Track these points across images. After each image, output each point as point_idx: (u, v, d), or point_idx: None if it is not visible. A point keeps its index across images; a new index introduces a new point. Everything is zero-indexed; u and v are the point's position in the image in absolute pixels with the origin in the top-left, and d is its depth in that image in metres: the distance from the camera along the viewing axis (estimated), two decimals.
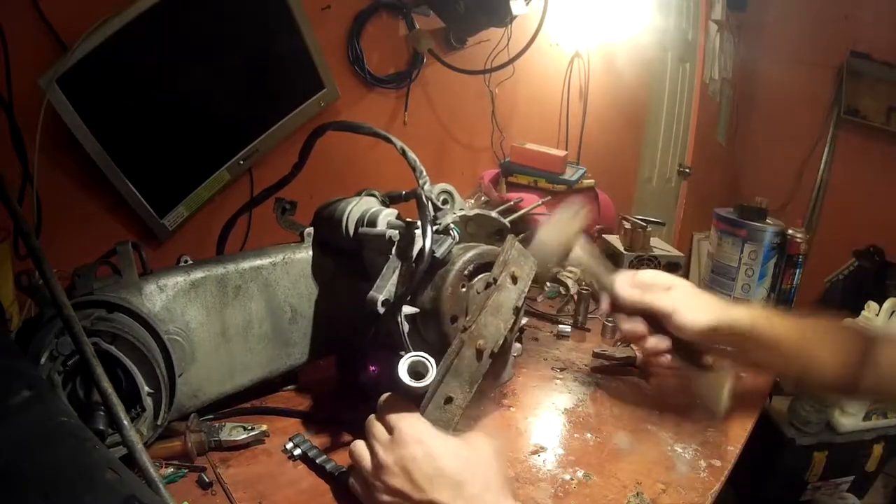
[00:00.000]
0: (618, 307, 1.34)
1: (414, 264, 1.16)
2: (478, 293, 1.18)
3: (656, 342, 1.30)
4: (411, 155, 1.24)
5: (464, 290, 1.17)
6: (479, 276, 1.19)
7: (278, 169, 1.47)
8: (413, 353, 1.01)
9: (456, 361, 1.05)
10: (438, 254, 1.15)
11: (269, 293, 1.35)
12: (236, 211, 1.54)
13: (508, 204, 1.86)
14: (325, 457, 1.19)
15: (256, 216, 1.67)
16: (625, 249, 2.38)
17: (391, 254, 1.21)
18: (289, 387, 1.47)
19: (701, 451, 1.33)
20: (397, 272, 1.18)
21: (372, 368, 1.31)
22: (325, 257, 1.42)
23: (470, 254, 1.18)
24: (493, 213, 1.36)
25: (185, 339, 1.23)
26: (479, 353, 1.07)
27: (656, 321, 1.30)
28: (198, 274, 1.25)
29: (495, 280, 1.12)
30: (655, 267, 2.34)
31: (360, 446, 1.03)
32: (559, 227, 1.42)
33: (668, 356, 1.31)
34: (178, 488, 1.12)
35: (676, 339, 1.30)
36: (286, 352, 1.39)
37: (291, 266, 1.38)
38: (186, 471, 1.15)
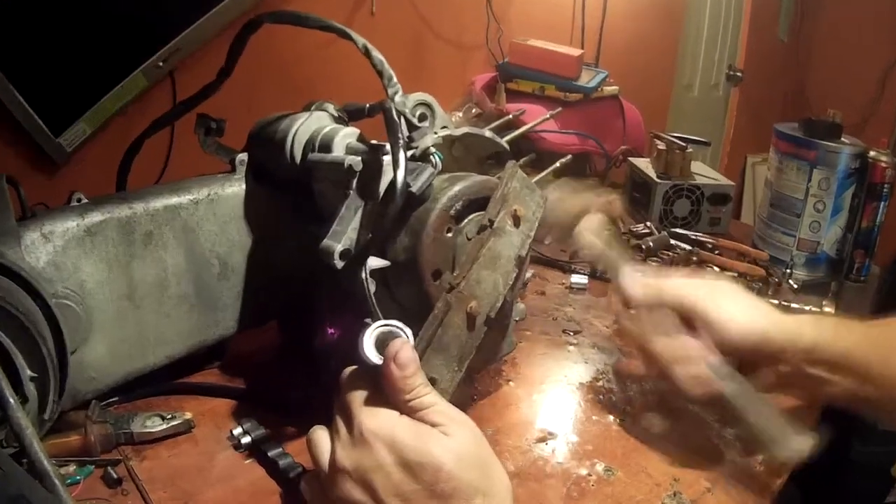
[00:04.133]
0: (632, 305, 1.24)
1: (382, 202, 1.11)
2: (468, 239, 1.15)
3: (685, 342, 1.17)
4: (377, 55, 1.18)
5: (450, 235, 1.14)
6: (470, 217, 1.16)
7: (208, 72, 1.42)
8: (382, 322, 0.97)
9: (440, 332, 1.02)
10: (415, 188, 1.10)
11: (189, 241, 1.31)
12: (142, 132, 1.49)
13: (506, 118, 1.82)
14: (279, 450, 1.17)
15: (180, 138, 1.63)
16: (658, 177, 2.36)
17: (352, 188, 1.16)
18: (217, 362, 1.45)
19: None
20: (360, 213, 1.14)
21: (331, 331, 1.27)
22: (263, 192, 1.38)
23: (457, 187, 1.14)
24: (487, 132, 1.32)
25: (78, 304, 1.18)
26: (471, 320, 1.04)
27: (685, 324, 1.20)
28: (95, 217, 1.20)
29: (491, 222, 1.08)
30: (697, 198, 2.32)
31: (318, 436, 0.98)
32: (572, 198, 1.39)
33: (702, 366, 1.15)
34: (76, 487, 1.10)
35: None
36: (214, 317, 1.36)
37: (219, 204, 1.34)
38: (93, 467, 1.13)
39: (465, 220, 1.15)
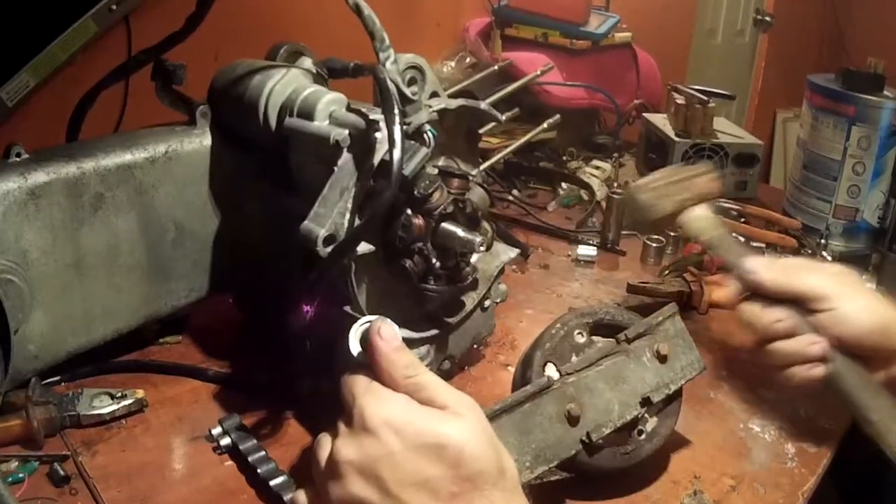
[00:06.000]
0: (753, 291, 1.28)
1: (373, 183, 1.10)
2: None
3: (808, 342, 1.20)
4: (369, 13, 1.13)
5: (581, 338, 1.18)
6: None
7: (168, 17, 1.41)
8: (367, 318, 0.95)
9: (526, 408, 1.03)
10: (407, 171, 1.08)
11: (143, 204, 1.30)
12: (97, 84, 1.48)
13: (492, 68, 1.81)
14: (262, 453, 1.14)
15: (136, 89, 1.61)
16: (676, 135, 2.35)
17: (337, 165, 1.13)
18: (170, 337, 1.46)
19: (788, 430, 1.32)
20: (347, 195, 1.11)
21: (306, 308, 1.26)
22: (226, 151, 1.37)
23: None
24: (483, 105, 1.31)
25: (21, 278, 1.17)
26: (568, 420, 1.05)
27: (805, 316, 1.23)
28: (39, 177, 1.18)
29: (628, 339, 1.12)
30: (721, 159, 2.31)
31: (320, 438, 0.95)
32: (676, 177, 1.42)
33: (822, 367, 1.20)
34: (19, 486, 1.09)
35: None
36: (167, 288, 1.36)
37: (177, 163, 1.33)
38: (38, 463, 1.12)
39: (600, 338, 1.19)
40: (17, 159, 1.20)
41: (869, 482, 1.65)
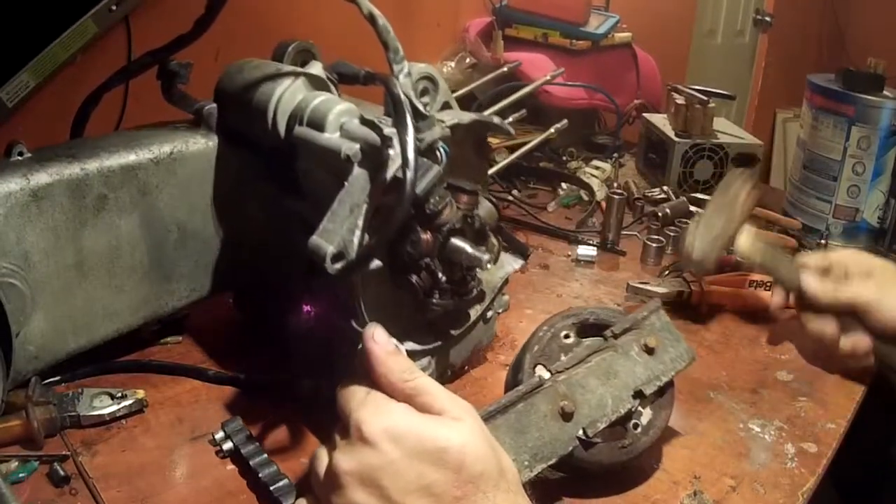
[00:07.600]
0: (804, 305, 1.46)
1: (385, 199, 1.07)
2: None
3: (855, 342, 1.42)
4: (383, 23, 1.08)
5: (568, 340, 1.20)
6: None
7: (167, 17, 1.40)
8: None
9: (521, 407, 1.04)
10: (419, 189, 1.05)
11: (147, 205, 1.29)
12: (101, 85, 1.47)
13: (501, 70, 1.80)
14: (263, 457, 1.13)
15: (136, 89, 1.60)
16: (676, 135, 2.34)
17: (347, 180, 1.09)
18: (170, 338, 1.46)
19: (788, 430, 1.32)
20: (357, 212, 1.07)
21: (307, 309, 1.26)
22: (231, 152, 1.36)
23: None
24: (496, 119, 1.31)
25: (23, 281, 1.16)
26: (565, 415, 1.06)
27: (854, 316, 1.43)
28: (41, 178, 1.17)
29: (615, 335, 1.14)
30: (720, 159, 2.31)
31: (318, 452, 0.96)
32: (718, 213, 1.54)
33: (871, 357, 1.43)
34: (20, 486, 1.09)
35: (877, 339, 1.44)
36: (168, 288, 1.35)
37: (182, 164, 1.31)
38: (38, 463, 1.12)
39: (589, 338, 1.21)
40: (20, 158, 1.19)
41: (869, 482, 1.67)
